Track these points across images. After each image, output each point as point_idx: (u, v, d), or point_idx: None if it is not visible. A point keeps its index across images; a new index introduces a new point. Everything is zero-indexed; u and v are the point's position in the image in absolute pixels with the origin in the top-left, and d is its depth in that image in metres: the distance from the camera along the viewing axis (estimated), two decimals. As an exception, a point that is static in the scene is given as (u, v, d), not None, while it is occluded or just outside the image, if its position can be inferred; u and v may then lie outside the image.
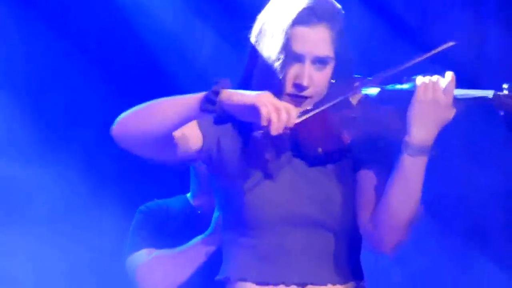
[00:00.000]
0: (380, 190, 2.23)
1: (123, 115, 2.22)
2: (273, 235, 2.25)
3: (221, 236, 2.35)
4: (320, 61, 2.22)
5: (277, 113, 2.05)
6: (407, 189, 2.19)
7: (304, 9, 2.21)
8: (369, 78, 2.24)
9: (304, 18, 2.20)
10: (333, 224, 2.26)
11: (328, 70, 2.24)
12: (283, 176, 2.25)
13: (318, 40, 2.21)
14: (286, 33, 2.19)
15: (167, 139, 2.20)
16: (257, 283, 2.23)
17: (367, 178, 2.28)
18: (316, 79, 2.21)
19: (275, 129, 2.05)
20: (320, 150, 2.22)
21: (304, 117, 2.13)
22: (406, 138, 2.15)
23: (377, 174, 2.27)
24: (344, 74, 2.27)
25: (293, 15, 2.20)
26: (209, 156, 2.26)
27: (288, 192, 2.25)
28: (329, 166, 2.26)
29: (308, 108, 2.20)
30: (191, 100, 2.12)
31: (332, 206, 2.26)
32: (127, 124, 2.21)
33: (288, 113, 2.06)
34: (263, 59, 2.24)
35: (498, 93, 2.12)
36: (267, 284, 2.23)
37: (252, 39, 2.28)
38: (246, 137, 2.27)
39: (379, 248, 2.26)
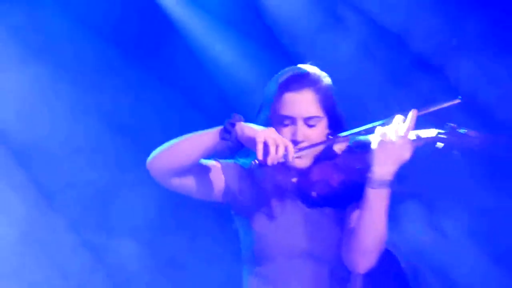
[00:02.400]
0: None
1: (157, 150, 2.63)
2: (279, 265, 2.68)
3: (242, 269, 2.78)
4: (310, 120, 2.63)
5: (275, 147, 2.46)
6: (372, 218, 2.56)
7: (290, 77, 2.66)
8: (348, 132, 2.66)
9: (290, 86, 2.64)
10: (327, 256, 2.68)
11: (320, 126, 2.65)
12: (286, 216, 2.68)
13: (305, 103, 2.63)
14: (276, 99, 2.65)
15: (192, 169, 2.63)
16: None
17: (350, 213, 2.67)
18: (310, 135, 2.63)
19: (270, 160, 2.46)
20: (314, 193, 2.63)
21: (300, 153, 2.55)
22: (369, 174, 2.53)
23: (355, 209, 2.64)
24: (337, 128, 2.68)
25: (281, 83, 2.66)
26: (231, 199, 2.71)
27: (290, 230, 2.67)
28: (325, 207, 2.67)
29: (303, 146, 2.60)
30: (213, 132, 2.55)
31: (327, 241, 2.67)
32: (161, 158, 2.62)
33: (286, 148, 2.48)
34: (266, 118, 2.69)
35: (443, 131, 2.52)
36: None
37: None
38: (258, 185, 2.70)
39: (354, 269, 2.64)
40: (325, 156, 2.62)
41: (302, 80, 2.65)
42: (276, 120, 2.63)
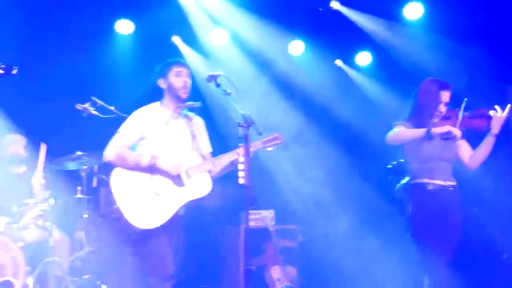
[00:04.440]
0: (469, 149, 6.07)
1: None
2: (429, 164, 5.87)
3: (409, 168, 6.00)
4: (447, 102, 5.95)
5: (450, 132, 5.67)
6: (487, 149, 5.88)
7: (442, 82, 5.91)
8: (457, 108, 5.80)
9: (445, 87, 5.90)
10: (451, 161, 5.97)
11: None
12: (434, 144, 5.89)
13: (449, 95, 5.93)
14: (438, 94, 5.89)
15: None
16: (429, 179, 5.86)
17: (464, 146, 6.06)
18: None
19: (445, 136, 5.72)
20: (447, 136, 5.72)
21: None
22: (490, 131, 5.80)
23: (466, 144, 6.06)
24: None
25: (439, 86, 5.91)
26: None
27: (436, 150, 5.89)
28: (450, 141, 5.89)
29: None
30: (422, 131, 5.73)
31: (451, 155, 5.98)
32: None
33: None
34: (423, 102, 5.93)
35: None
36: (434, 179, 5.86)
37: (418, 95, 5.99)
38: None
39: (471, 168, 6.01)
40: (450, 118, 5.80)
41: (448, 84, 5.88)
42: (437, 105, 5.85)
